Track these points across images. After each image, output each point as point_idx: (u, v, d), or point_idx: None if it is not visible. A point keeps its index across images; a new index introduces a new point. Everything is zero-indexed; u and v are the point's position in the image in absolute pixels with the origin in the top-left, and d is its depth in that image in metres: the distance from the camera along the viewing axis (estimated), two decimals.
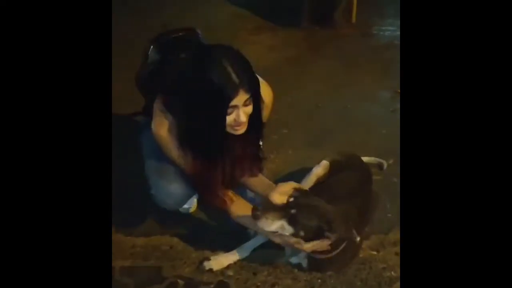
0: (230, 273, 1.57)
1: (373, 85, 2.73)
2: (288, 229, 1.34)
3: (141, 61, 1.70)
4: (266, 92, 1.52)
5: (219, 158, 1.47)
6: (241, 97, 1.31)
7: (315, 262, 1.47)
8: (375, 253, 1.63)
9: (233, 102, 1.30)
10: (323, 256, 1.42)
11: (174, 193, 1.62)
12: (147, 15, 3.59)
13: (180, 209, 1.78)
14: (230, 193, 1.53)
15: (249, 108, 1.36)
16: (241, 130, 1.39)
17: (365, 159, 1.89)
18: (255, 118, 1.41)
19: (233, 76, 1.28)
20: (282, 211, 1.35)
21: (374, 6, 3.80)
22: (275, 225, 1.34)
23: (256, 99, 1.37)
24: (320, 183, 1.68)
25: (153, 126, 1.47)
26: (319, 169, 1.75)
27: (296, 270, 1.56)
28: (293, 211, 1.33)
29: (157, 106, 1.47)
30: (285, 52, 3.19)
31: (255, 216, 1.34)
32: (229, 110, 1.32)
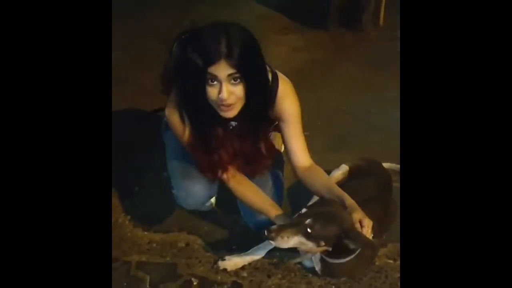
0: (244, 274, 1.58)
1: (398, 91, 2.69)
2: (307, 242, 1.32)
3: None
4: (287, 93, 1.47)
5: (213, 135, 1.45)
6: (223, 68, 1.25)
7: (329, 267, 1.45)
8: (391, 261, 1.60)
9: (212, 70, 1.25)
10: (336, 261, 1.41)
11: (197, 193, 1.62)
12: (174, 14, 3.63)
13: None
14: (232, 170, 1.51)
15: (238, 89, 1.30)
16: (230, 112, 1.34)
17: (386, 165, 1.86)
18: (253, 109, 1.37)
19: (222, 45, 1.23)
20: (297, 225, 1.32)
21: None
22: (292, 242, 1.32)
23: (251, 80, 1.31)
24: None
25: (166, 112, 1.48)
26: (338, 173, 1.74)
27: (310, 275, 1.55)
28: (308, 221, 1.31)
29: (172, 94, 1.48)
30: (311, 54, 3.16)
31: (270, 237, 1.32)
32: (209, 77, 1.27)
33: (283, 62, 3.00)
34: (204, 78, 1.28)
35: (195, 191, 1.61)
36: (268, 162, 1.58)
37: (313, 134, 2.33)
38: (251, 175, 1.57)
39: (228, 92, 1.28)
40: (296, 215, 1.40)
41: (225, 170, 1.51)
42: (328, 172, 1.72)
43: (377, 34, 3.40)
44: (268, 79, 1.42)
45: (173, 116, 1.47)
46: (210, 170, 1.51)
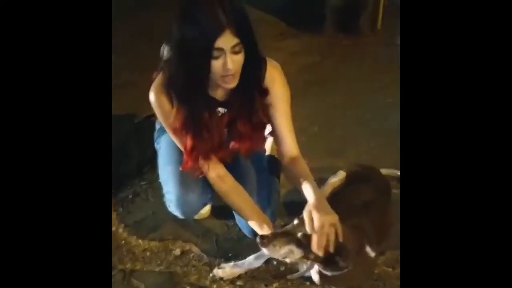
0: (241, 283, 1.55)
1: (396, 95, 2.68)
2: (298, 253, 1.31)
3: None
4: (275, 79, 1.46)
5: (206, 113, 1.42)
6: (228, 39, 1.24)
7: (326, 278, 1.43)
8: (390, 269, 1.58)
9: (219, 44, 1.24)
10: (334, 273, 1.38)
11: (191, 202, 1.60)
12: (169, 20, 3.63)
13: None
14: (214, 160, 1.49)
15: (239, 58, 1.29)
16: (232, 82, 1.33)
17: (384, 171, 1.84)
18: (249, 76, 1.35)
19: (220, 14, 1.22)
20: (290, 235, 1.31)
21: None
22: (283, 251, 1.31)
23: (248, 50, 1.30)
24: (335, 194, 1.64)
25: (152, 92, 1.43)
26: (335, 180, 1.72)
27: (308, 283, 1.53)
28: (301, 233, 1.30)
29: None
30: (308, 59, 3.15)
31: (262, 244, 1.31)
32: (215, 53, 1.26)
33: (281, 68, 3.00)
34: (210, 54, 1.26)
35: (189, 199, 1.59)
36: (261, 140, 1.58)
37: (311, 140, 2.32)
38: (244, 153, 1.56)
39: (232, 63, 1.27)
40: (290, 225, 1.38)
41: (207, 158, 1.48)
42: (326, 179, 1.71)
43: (374, 39, 3.40)
44: (259, 49, 1.38)
45: (160, 96, 1.42)
46: (192, 156, 1.46)
